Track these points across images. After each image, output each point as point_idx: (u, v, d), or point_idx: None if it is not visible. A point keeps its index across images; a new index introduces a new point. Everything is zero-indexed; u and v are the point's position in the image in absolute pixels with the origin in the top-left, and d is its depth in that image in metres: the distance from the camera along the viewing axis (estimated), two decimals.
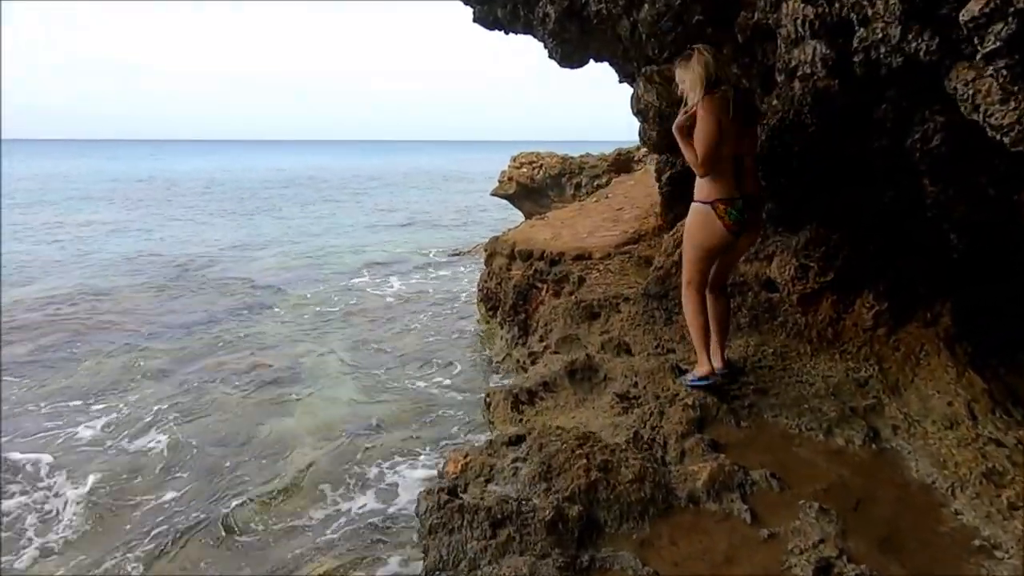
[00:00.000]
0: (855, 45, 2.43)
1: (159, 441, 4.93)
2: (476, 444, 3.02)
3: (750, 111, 2.76)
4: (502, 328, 6.54)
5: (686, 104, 2.77)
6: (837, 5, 2.44)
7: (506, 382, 5.53)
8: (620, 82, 5.10)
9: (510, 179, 15.23)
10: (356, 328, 7.73)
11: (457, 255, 12.88)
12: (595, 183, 13.78)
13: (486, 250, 7.30)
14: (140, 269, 11.24)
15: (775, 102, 3.19)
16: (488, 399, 3.90)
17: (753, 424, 2.91)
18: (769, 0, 2.96)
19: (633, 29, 3.67)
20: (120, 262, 11.89)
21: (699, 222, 2.82)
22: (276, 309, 8.70)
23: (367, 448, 4.67)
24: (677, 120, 2.75)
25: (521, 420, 3.69)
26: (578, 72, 4.74)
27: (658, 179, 5.82)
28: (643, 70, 4.28)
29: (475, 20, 4.65)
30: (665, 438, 2.81)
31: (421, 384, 6.02)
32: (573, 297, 5.07)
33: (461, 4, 4.69)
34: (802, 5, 2.70)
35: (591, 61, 4.34)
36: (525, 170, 14.80)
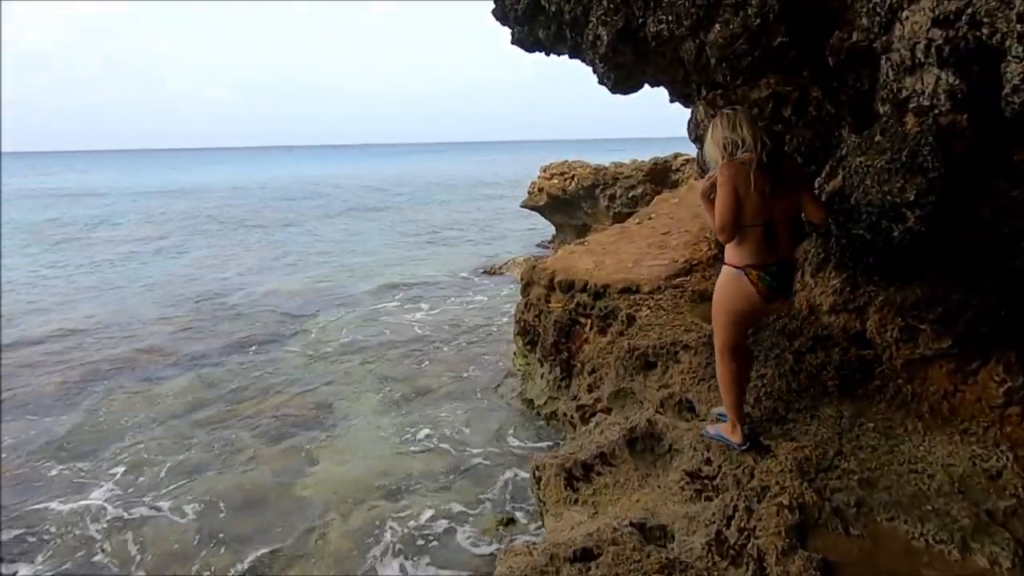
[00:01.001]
0: (1008, 77, 1.96)
1: (176, 504, 4.66)
2: (531, 545, 2.62)
3: (785, 175, 2.59)
4: (542, 366, 6.13)
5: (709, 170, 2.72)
6: (984, 30, 1.97)
7: (552, 445, 5.14)
8: (671, 101, 4.66)
9: (540, 190, 14.83)
10: (386, 362, 7.43)
11: (488, 274, 12.52)
12: (630, 194, 13.30)
13: (522, 279, 6.90)
14: (164, 297, 11.17)
15: (878, 138, 2.72)
16: (538, 472, 3.51)
17: (866, 532, 2.45)
18: (878, 20, 2.50)
19: (699, 52, 3.24)
20: (146, 289, 11.86)
21: (731, 288, 2.72)
22: (300, 339, 8.47)
23: (400, 515, 4.31)
24: (701, 185, 2.73)
25: (577, 500, 3.28)
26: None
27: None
28: (703, 93, 3.84)
29: (513, 42, 4.27)
30: (760, 552, 2.37)
31: (458, 431, 5.66)
32: (625, 342, 4.64)
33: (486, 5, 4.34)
34: (927, 28, 2.24)
35: (646, 86, 3.93)
36: (556, 181, 14.39)
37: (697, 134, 4.34)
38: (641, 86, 3.90)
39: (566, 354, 5.71)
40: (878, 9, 2.48)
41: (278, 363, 7.58)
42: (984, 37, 2.01)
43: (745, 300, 2.68)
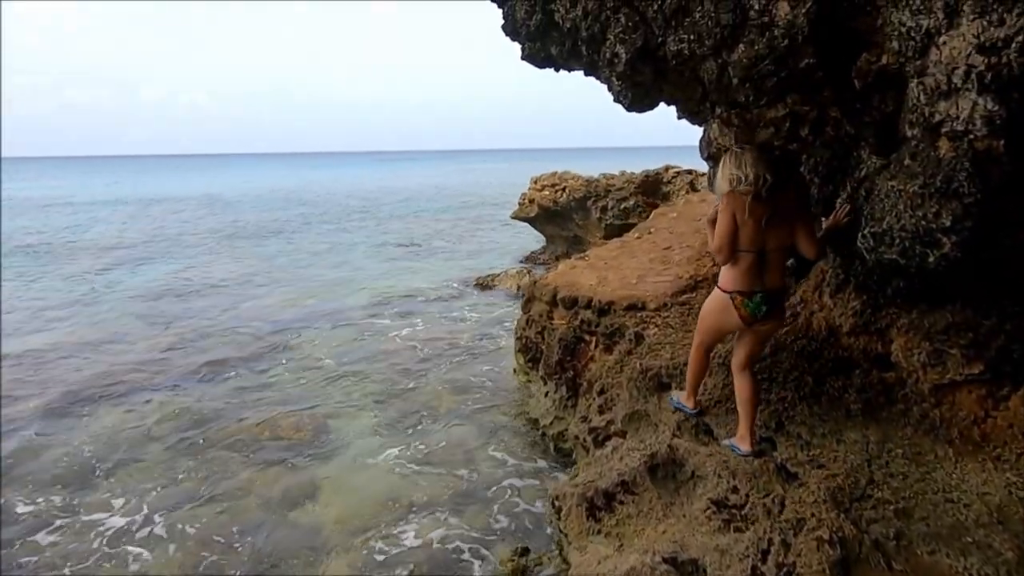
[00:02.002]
0: None
1: (162, 538, 4.45)
2: None
3: (781, 209, 2.98)
4: (545, 384, 6.05)
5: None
6: None
7: (557, 466, 5.00)
8: (679, 118, 4.64)
9: (531, 202, 14.82)
10: (381, 381, 7.26)
11: (480, 287, 12.41)
12: (622, 206, 13.34)
13: (523, 294, 6.83)
14: (144, 313, 10.81)
15: (908, 162, 2.70)
16: (557, 503, 3.41)
17: (908, 566, 2.40)
18: (912, 44, 2.48)
19: (721, 72, 3.21)
20: (124, 305, 11.51)
21: (716, 307, 3.15)
22: (290, 357, 8.25)
23: (408, 545, 4.17)
24: (709, 212, 3.10)
25: (600, 531, 3.19)
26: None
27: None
28: (717, 111, 3.81)
29: (524, 57, 4.22)
30: None
31: (462, 453, 5.53)
32: (636, 362, 4.57)
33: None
34: (968, 53, 2.22)
35: (661, 104, 3.89)
36: (547, 192, 14.38)
37: (710, 152, 4.31)
38: (657, 104, 3.86)
39: (571, 372, 5.64)
40: (912, 34, 2.46)
41: (268, 383, 7.37)
42: None
43: (728, 322, 3.10)
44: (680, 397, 3.76)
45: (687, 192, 12.00)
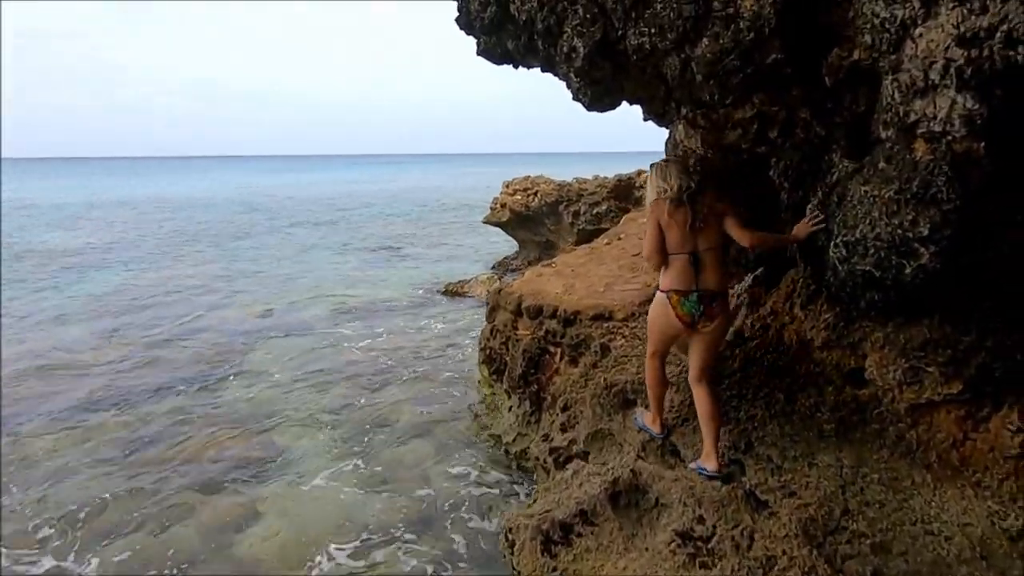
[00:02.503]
0: None
1: (90, 572, 4.06)
2: None
3: (704, 211, 3.08)
4: (509, 397, 5.77)
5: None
6: (1022, 49, 1.76)
7: (518, 482, 4.73)
8: (645, 119, 4.42)
9: (503, 206, 14.56)
10: (339, 395, 6.90)
11: (448, 294, 12.09)
12: (594, 211, 13.17)
13: (488, 303, 6.55)
14: (95, 323, 10.19)
15: (883, 166, 2.51)
16: (510, 535, 3.13)
17: None
18: (886, 37, 2.28)
19: (684, 68, 2.99)
20: (74, 313, 10.89)
21: (657, 309, 3.22)
22: (246, 370, 7.80)
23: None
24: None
25: (556, 568, 2.92)
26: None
27: None
28: (683, 112, 3.60)
29: (480, 53, 3.95)
30: None
31: (419, 473, 5.22)
32: (601, 377, 4.33)
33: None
34: (946, 46, 2.02)
35: (624, 103, 3.66)
36: (519, 197, 14.15)
37: (675, 154, 4.11)
38: (619, 103, 3.63)
39: (535, 386, 5.37)
40: (886, 25, 2.26)
41: (219, 398, 6.94)
42: (1020, 59, 1.79)
43: (668, 322, 3.12)
44: (645, 418, 3.59)
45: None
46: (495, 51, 3.84)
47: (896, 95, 2.39)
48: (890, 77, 2.40)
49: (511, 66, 3.98)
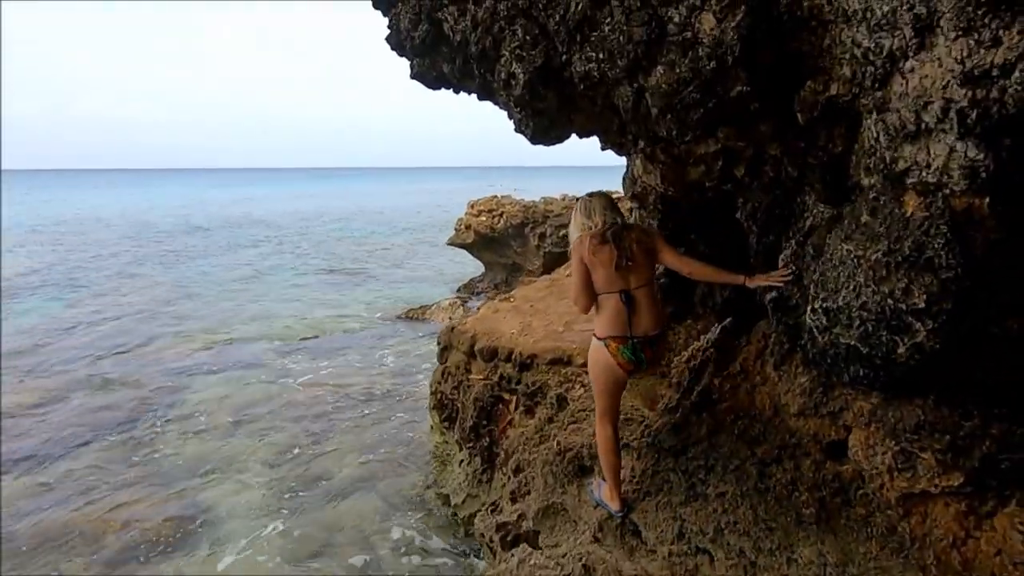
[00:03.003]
0: None
1: None
2: None
3: (631, 246, 2.81)
4: (461, 450, 5.28)
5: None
6: None
7: (467, 552, 4.24)
8: (603, 149, 4.04)
9: (467, 227, 14.13)
10: (278, 443, 6.29)
11: (409, 319, 11.55)
12: (561, 233, 12.82)
13: (439, 342, 6.06)
14: (20, 358, 9.35)
15: (866, 218, 2.13)
16: None
17: None
18: (870, 71, 1.91)
19: (637, 100, 2.60)
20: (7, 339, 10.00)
21: (596, 358, 2.91)
22: (179, 413, 7.13)
23: None
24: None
25: None
26: None
27: None
28: (640, 145, 3.22)
29: (413, 76, 3.52)
30: None
31: (359, 540, 4.67)
32: (555, 440, 3.88)
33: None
34: (945, 84, 1.65)
35: (573, 136, 3.26)
36: (484, 218, 13.74)
37: (634, 191, 3.73)
38: (567, 136, 3.23)
39: (487, 440, 4.89)
40: (870, 57, 1.90)
41: (144, 449, 6.27)
42: None
43: (610, 371, 2.84)
44: (602, 492, 3.17)
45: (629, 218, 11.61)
46: (429, 74, 3.41)
47: (882, 138, 2.02)
48: (874, 117, 2.04)
49: (451, 91, 3.55)
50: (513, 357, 5.08)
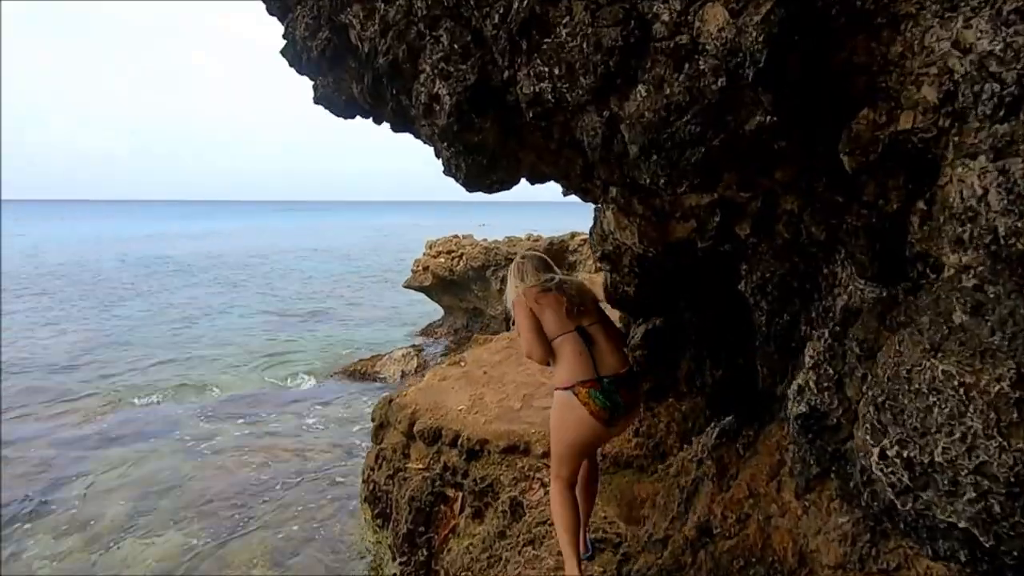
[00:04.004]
0: None
1: None
2: None
3: (575, 294, 2.58)
4: (394, 559, 4.29)
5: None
6: None
7: None
8: (566, 194, 3.30)
9: (425, 269, 13.28)
10: (176, 547, 5.13)
11: (358, 377, 10.50)
12: None
13: (373, 417, 5.14)
14: None
15: (962, 318, 1.39)
16: None
17: None
18: (990, 93, 1.18)
19: (609, 133, 1.84)
20: None
21: (564, 414, 2.46)
22: (60, 507, 5.87)
23: None
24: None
25: None
26: None
27: (625, 335, 4.00)
28: (612, 194, 2.47)
29: (317, 100, 2.72)
30: None
31: None
32: (506, 567, 2.98)
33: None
34: None
35: (523, 181, 2.49)
36: (443, 260, 12.92)
37: (604, 250, 2.97)
38: (514, 181, 2.45)
39: (425, 552, 3.94)
40: (991, 68, 1.17)
41: (28, 541, 5.09)
42: None
43: (583, 426, 2.42)
44: None
45: (595, 265, 10.95)
46: (336, 98, 2.61)
47: (993, 197, 1.29)
48: (979, 164, 1.30)
49: (373, 120, 2.75)
50: (460, 442, 4.19)
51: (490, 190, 2.34)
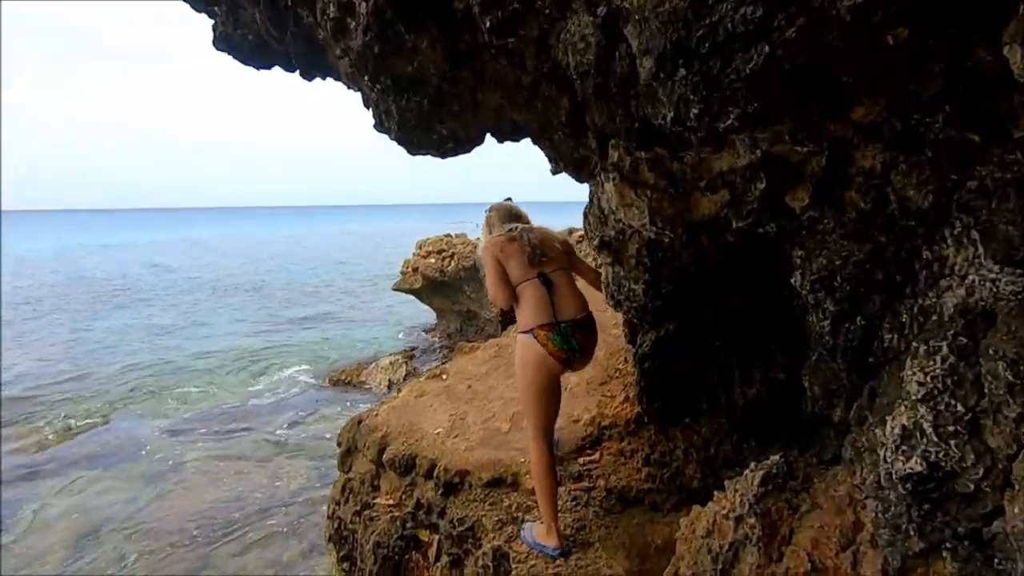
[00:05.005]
0: None
1: None
2: None
3: (542, 242, 2.69)
4: None
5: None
6: None
7: None
8: (555, 172, 2.67)
9: (415, 270, 12.60)
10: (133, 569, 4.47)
11: (341, 385, 9.84)
12: None
13: (339, 441, 4.48)
14: None
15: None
16: None
17: None
18: None
19: (608, 45, 1.18)
20: None
21: (524, 356, 2.65)
22: (20, 521, 5.23)
23: None
24: None
25: None
26: None
27: (631, 342, 3.34)
28: (614, 158, 1.81)
29: (217, 42, 2.05)
30: None
31: None
32: None
33: None
34: None
35: (489, 137, 1.84)
36: (433, 260, 12.25)
37: (604, 237, 2.30)
38: (475, 138, 1.77)
39: None
40: None
41: None
42: None
43: (543, 368, 2.59)
44: (536, 532, 2.79)
45: (594, 260, 10.28)
46: (239, 38, 1.94)
47: None
48: None
49: (282, 67, 2.08)
50: (436, 473, 3.52)
51: (442, 151, 1.68)
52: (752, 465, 2.09)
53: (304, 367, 11.05)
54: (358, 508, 3.95)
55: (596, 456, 3.42)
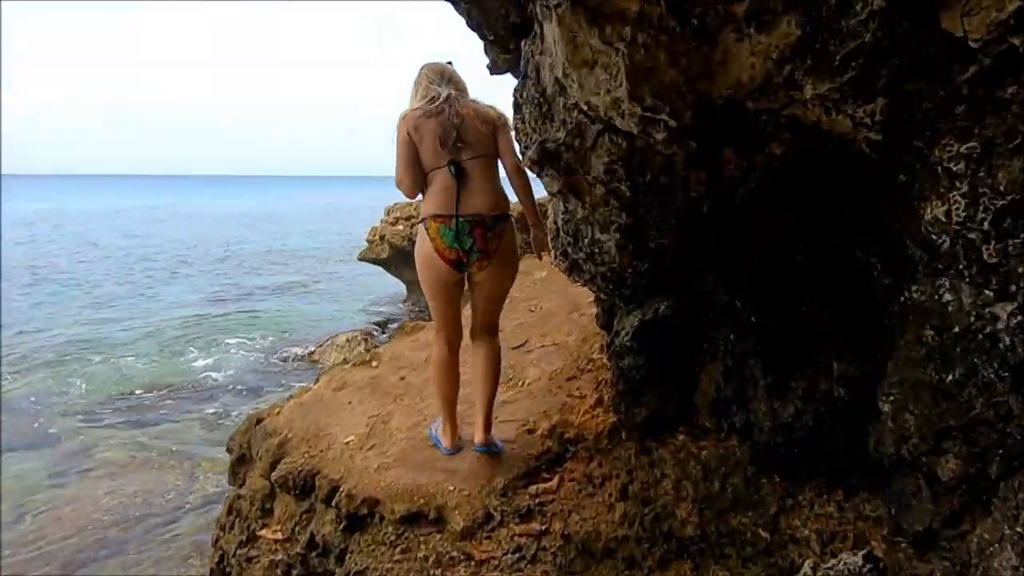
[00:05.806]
0: None
1: None
2: None
3: (463, 125, 2.27)
4: None
5: None
6: None
7: None
8: (492, 71, 1.68)
9: (381, 238, 11.54)
10: None
11: (288, 360, 8.89)
12: None
13: (229, 447, 3.54)
14: None
15: None
16: None
17: None
18: None
19: None
20: None
21: (418, 245, 2.49)
22: None
23: None
24: None
25: None
26: None
27: (605, 327, 2.41)
28: None
29: None
30: None
31: None
32: None
33: None
34: None
35: None
36: (401, 227, 11.18)
37: (545, 142, 1.29)
38: None
39: None
40: None
41: None
42: None
43: (431, 263, 2.39)
44: (437, 427, 2.66)
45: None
46: None
47: None
48: None
49: None
50: (337, 499, 2.59)
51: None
52: (807, 567, 1.17)
53: (255, 341, 10.06)
54: (243, 538, 3.02)
55: (553, 483, 2.50)
